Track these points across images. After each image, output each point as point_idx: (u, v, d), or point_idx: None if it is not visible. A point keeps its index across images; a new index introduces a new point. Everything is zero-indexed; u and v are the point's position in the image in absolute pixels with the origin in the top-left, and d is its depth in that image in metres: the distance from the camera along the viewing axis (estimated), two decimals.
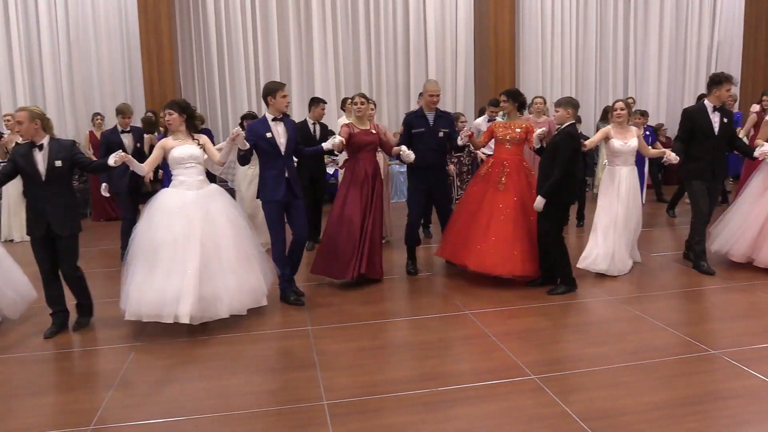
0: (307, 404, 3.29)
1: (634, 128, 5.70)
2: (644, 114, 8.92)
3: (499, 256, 5.25)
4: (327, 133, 6.94)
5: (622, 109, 5.59)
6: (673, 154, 5.48)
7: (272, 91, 4.87)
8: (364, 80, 11.24)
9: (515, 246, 5.27)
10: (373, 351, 4.04)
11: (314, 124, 6.91)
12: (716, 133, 5.60)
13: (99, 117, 9.35)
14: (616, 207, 5.57)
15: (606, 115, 9.66)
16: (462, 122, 7.77)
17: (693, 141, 5.64)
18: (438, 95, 5.66)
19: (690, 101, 10.97)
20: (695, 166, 5.65)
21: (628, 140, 5.56)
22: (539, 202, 4.97)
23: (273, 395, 3.43)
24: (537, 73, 11.71)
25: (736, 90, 11.91)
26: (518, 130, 5.57)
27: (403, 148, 5.36)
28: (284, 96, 4.90)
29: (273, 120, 4.90)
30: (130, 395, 3.46)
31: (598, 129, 9.92)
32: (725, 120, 5.63)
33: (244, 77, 10.84)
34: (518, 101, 5.69)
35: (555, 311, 4.73)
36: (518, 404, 3.25)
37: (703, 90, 11.65)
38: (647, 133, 8.23)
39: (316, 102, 6.97)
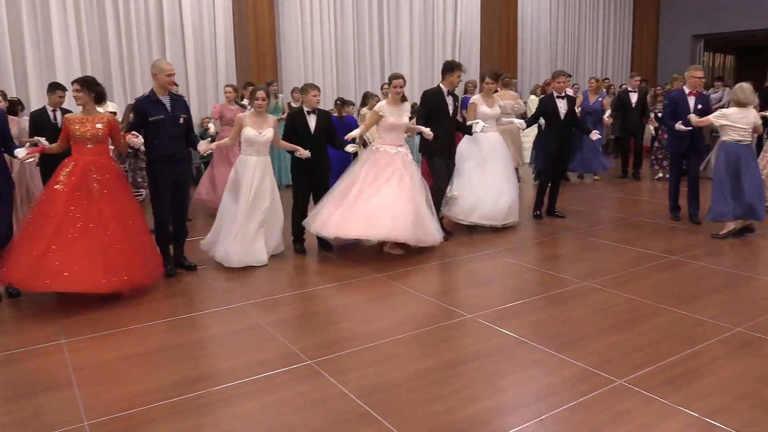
0: (65, 428, 2.93)
1: (271, 118, 5.64)
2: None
3: (88, 270, 4.45)
4: None
5: (263, 99, 5.47)
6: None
7: None
8: (114, 64, 10.29)
9: (107, 258, 4.55)
10: (140, 358, 3.74)
11: (54, 111, 6.26)
12: (451, 114, 6.23)
13: None
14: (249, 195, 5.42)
15: (366, 101, 10.08)
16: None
17: (431, 121, 6.13)
18: (174, 74, 5.19)
19: None
20: (436, 144, 6.16)
21: (264, 129, 5.49)
22: None
23: (20, 425, 2.99)
24: (299, 58, 11.79)
25: (475, 76, 13.24)
26: (99, 125, 4.79)
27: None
28: None
29: None
30: None
31: (359, 113, 10.33)
32: (457, 103, 6.32)
33: None
34: (95, 91, 4.86)
35: (326, 294, 4.83)
36: (297, 392, 3.25)
37: None
38: None
39: (53, 88, 6.39)
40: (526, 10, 14.65)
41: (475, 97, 6.77)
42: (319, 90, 5.82)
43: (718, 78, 13.20)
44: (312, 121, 5.78)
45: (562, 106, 6.96)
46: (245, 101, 8.60)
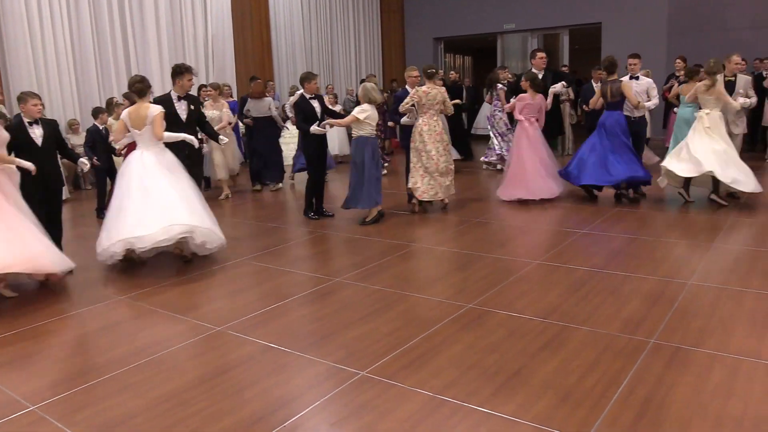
0: None
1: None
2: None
3: None
4: None
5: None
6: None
7: None
8: None
9: None
10: None
11: None
12: (184, 121, 6.06)
13: None
14: None
15: (110, 109, 9.32)
16: None
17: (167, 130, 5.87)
18: None
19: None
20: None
21: None
22: None
23: None
24: (29, 63, 10.48)
25: (231, 79, 13.01)
26: None
27: None
28: None
29: None
30: None
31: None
32: (192, 107, 6.16)
33: None
34: None
35: (58, 327, 4.32)
36: None
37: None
38: None
39: None
40: (279, 12, 14.71)
41: (207, 103, 6.68)
42: (39, 98, 5.35)
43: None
44: (36, 132, 5.27)
45: (316, 105, 7.16)
46: None
